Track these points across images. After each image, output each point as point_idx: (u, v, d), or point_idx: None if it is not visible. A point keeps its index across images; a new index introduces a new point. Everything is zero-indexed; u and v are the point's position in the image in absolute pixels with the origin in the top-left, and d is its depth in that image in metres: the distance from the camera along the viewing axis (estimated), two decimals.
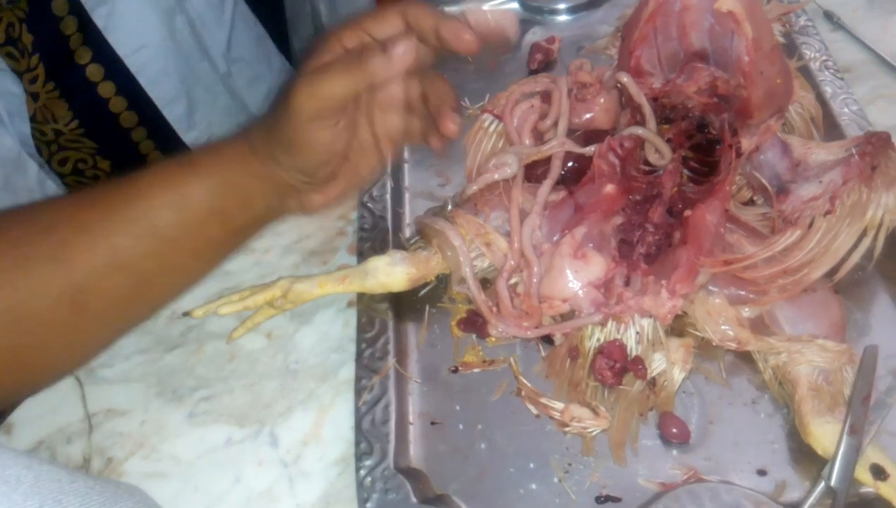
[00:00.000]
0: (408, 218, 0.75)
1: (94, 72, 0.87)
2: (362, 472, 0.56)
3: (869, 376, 0.56)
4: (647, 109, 0.69)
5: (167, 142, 0.97)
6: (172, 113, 0.98)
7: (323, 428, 0.62)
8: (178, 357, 0.68)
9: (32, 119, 0.85)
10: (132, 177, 0.58)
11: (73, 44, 0.84)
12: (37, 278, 0.53)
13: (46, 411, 0.66)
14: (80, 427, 0.64)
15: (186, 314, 0.66)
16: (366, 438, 0.58)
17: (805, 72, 0.77)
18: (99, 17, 0.85)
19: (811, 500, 0.51)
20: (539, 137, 0.74)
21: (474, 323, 0.66)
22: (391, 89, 0.55)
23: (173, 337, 0.69)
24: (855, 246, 0.62)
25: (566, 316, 0.64)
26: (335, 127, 0.54)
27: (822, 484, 0.51)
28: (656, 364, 0.60)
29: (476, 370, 0.64)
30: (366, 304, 0.66)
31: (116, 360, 0.68)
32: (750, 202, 0.70)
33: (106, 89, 0.89)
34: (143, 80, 0.92)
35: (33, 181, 0.88)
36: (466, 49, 0.54)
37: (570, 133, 0.73)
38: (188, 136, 0.99)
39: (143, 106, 0.93)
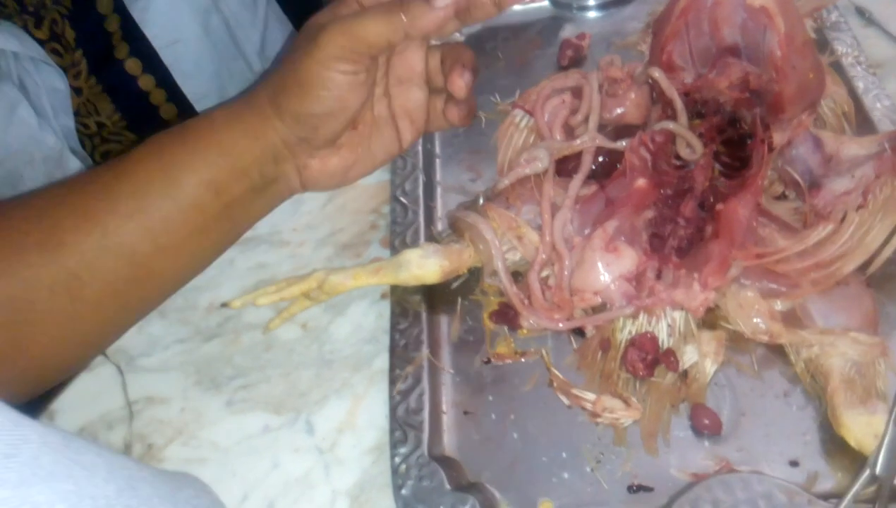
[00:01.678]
0: (440, 212, 0.76)
1: (132, 66, 0.89)
2: (397, 459, 0.57)
3: None
4: (679, 104, 0.70)
5: None
6: (205, 108, 0.99)
7: (357, 417, 0.63)
8: (216, 346, 0.69)
9: (76, 113, 0.87)
10: (125, 154, 0.56)
11: (113, 39, 0.86)
12: (30, 266, 0.52)
13: (88, 399, 0.67)
14: (121, 415, 0.66)
15: (224, 305, 0.68)
16: (400, 426, 0.59)
17: (837, 67, 0.77)
18: (136, 11, 0.87)
19: (856, 488, 0.51)
20: (570, 132, 0.75)
21: (506, 316, 0.66)
22: (412, 60, 0.53)
23: (211, 327, 0.70)
24: (888, 240, 0.62)
25: (597, 309, 0.64)
26: (355, 76, 0.52)
27: (867, 473, 0.52)
28: (688, 356, 0.61)
29: (508, 361, 0.64)
30: (399, 296, 0.67)
31: (156, 350, 0.70)
32: (782, 197, 0.70)
33: (146, 82, 0.92)
34: (177, 75, 0.94)
35: None
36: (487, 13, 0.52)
37: (601, 128, 0.73)
38: None
39: (179, 99, 0.95)
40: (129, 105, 0.91)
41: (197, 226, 0.56)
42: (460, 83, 0.56)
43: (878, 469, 0.51)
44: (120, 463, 0.35)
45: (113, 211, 0.53)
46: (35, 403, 0.67)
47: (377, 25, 0.50)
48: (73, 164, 0.89)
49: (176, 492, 0.37)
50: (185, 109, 0.97)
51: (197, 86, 0.98)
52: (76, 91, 0.86)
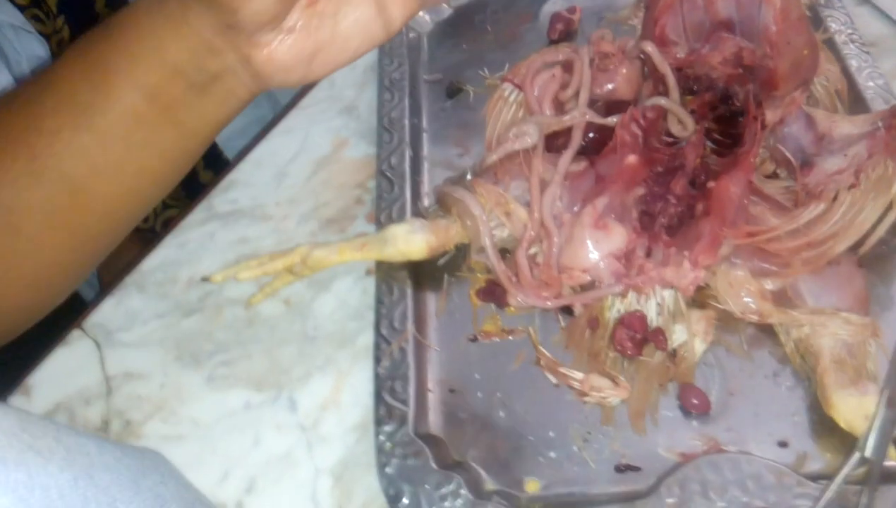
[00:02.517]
0: (426, 187, 0.74)
1: None
2: (382, 437, 0.56)
3: None
4: (671, 80, 0.69)
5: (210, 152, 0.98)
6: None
7: (341, 394, 0.62)
8: (197, 322, 0.67)
9: None
10: (56, 62, 0.48)
11: (97, 5, 0.84)
12: None
13: (65, 374, 0.66)
14: (99, 391, 0.64)
15: (205, 279, 0.67)
16: (385, 404, 0.58)
17: (830, 45, 0.76)
18: None
19: (846, 470, 0.51)
20: (560, 107, 0.74)
21: (493, 293, 0.65)
22: None
23: (191, 302, 0.69)
24: (880, 220, 0.61)
25: (586, 287, 0.64)
26: None
27: (857, 455, 0.51)
28: (677, 335, 0.60)
29: (495, 339, 0.63)
30: (385, 272, 0.66)
31: (134, 325, 0.68)
32: (773, 175, 0.69)
33: None
34: None
35: None
36: None
37: (592, 103, 0.72)
38: (239, 145, 0.99)
39: None
40: None
41: (136, 139, 0.48)
42: None
43: (868, 451, 0.51)
44: (81, 449, 0.33)
45: (38, 129, 0.46)
46: (11, 377, 0.65)
47: None
48: None
49: (140, 479, 0.36)
50: None
51: None
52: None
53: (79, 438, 0.35)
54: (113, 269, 0.76)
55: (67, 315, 0.68)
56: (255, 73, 0.48)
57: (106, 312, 0.69)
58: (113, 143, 0.47)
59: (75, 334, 0.67)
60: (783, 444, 0.56)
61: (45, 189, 0.47)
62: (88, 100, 0.46)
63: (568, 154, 0.67)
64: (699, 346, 0.60)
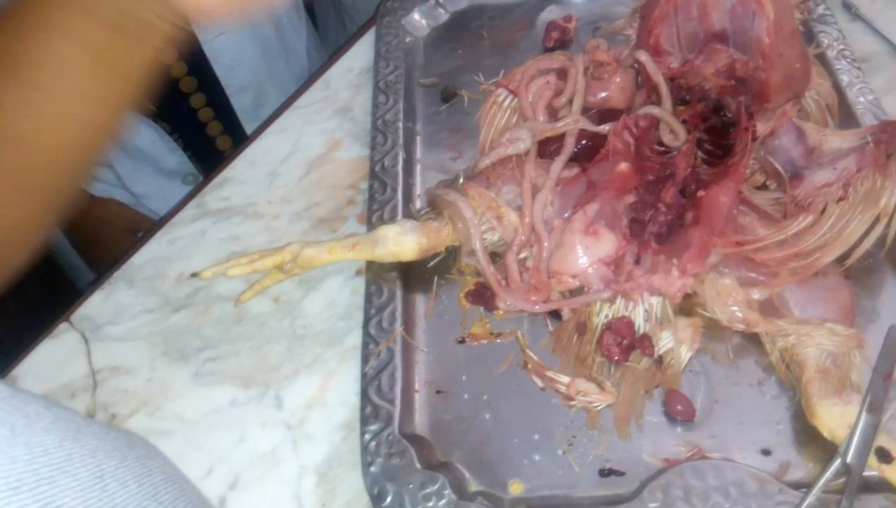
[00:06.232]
0: (419, 189, 0.74)
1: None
2: (367, 436, 0.56)
3: (892, 355, 0.56)
4: (664, 89, 0.69)
5: (233, 127, 1.00)
6: (240, 102, 1.00)
7: (328, 393, 0.62)
8: (185, 317, 0.67)
9: None
10: None
11: None
12: None
13: (51, 366, 0.66)
14: (85, 383, 0.64)
15: (195, 275, 0.66)
16: (371, 403, 0.58)
17: (822, 60, 0.77)
18: None
19: (827, 475, 0.51)
20: (553, 114, 0.74)
21: (482, 296, 0.66)
22: None
23: (180, 297, 0.69)
24: (867, 233, 0.62)
25: (575, 292, 0.64)
26: None
27: (838, 461, 0.51)
28: (664, 342, 0.60)
29: (483, 341, 0.64)
30: (374, 273, 0.66)
31: (122, 319, 0.68)
32: (763, 187, 0.69)
33: (177, 70, 0.91)
34: (218, 67, 0.95)
35: None
36: None
37: (585, 111, 0.72)
38: (251, 127, 1.01)
39: (213, 91, 0.96)
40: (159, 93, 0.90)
41: (75, 89, 0.48)
42: None
43: (849, 458, 0.51)
44: (68, 417, 0.33)
45: None
46: None
47: None
48: None
49: (126, 450, 0.36)
50: (216, 103, 0.97)
51: (235, 80, 0.99)
52: None
53: (67, 410, 0.35)
54: (105, 262, 0.76)
55: (55, 307, 0.68)
56: (175, 7, 0.48)
57: (94, 305, 0.69)
58: (53, 95, 0.48)
59: (63, 327, 0.67)
60: (766, 452, 0.56)
61: None
62: (22, 56, 0.47)
63: (560, 160, 0.68)
64: (685, 353, 0.60)
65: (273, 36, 1.02)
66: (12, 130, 0.48)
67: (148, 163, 0.99)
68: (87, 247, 1.05)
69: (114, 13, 0.48)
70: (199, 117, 0.97)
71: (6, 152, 0.48)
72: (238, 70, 0.98)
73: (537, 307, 0.64)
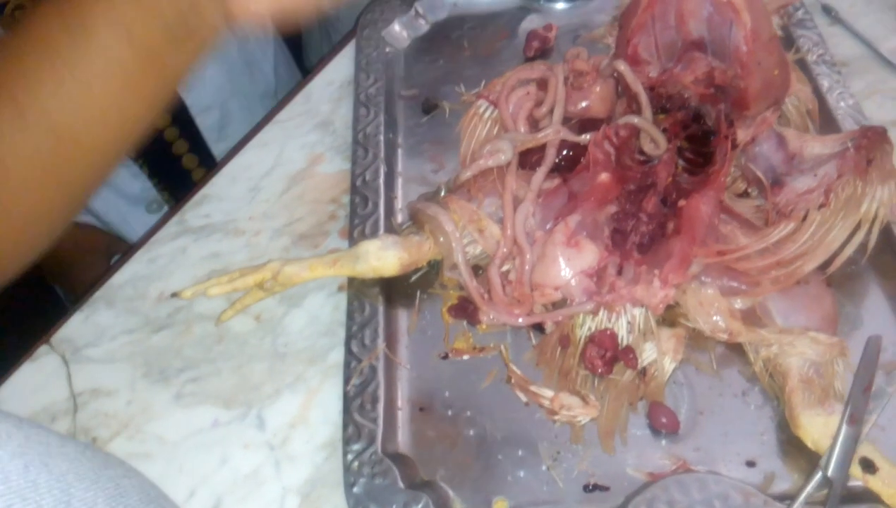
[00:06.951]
0: (400, 203, 0.74)
1: None
2: (349, 456, 0.56)
3: (871, 366, 0.56)
4: (644, 98, 0.69)
5: (199, 147, 0.99)
6: (205, 122, 0.99)
7: (310, 412, 0.62)
8: (166, 338, 0.67)
9: None
10: (33, 14, 0.49)
11: None
12: None
13: (30, 389, 0.65)
14: (65, 407, 0.64)
15: (175, 295, 0.66)
16: (354, 422, 0.58)
17: (802, 65, 0.77)
18: None
19: (808, 489, 0.51)
20: (534, 125, 0.74)
21: (465, 310, 0.65)
22: None
23: (161, 317, 0.68)
24: (849, 239, 0.61)
25: (558, 305, 0.64)
26: None
27: (819, 474, 0.51)
28: (647, 354, 0.60)
29: (466, 356, 0.63)
30: (356, 289, 0.66)
31: (102, 340, 0.67)
32: (744, 194, 0.69)
33: None
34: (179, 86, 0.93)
35: None
36: None
37: (566, 121, 0.72)
38: (218, 147, 1.00)
39: (177, 110, 0.95)
40: None
41: (120, 87, 0.49)
42: None
43: (829, 472, 0.51)
44: (40, 438, 0.33)
45: (22, 81, 0.47)
46: None
47: None
48: None
49: (101, 470, 0.35)
50: (181, 121, 0.96)
51: (198, 99, 0.98)
52: None
53: (41, 430, 0.34)
54: (83, 284, 0.75)
55: (34, 330, 0.67)
56: (228, 11, 0.50)
57: (74, 327, 0.68)
58: (97, 92, 0.48)
59: (42, 349, 0.67)
60: (751, 464, 0.56)
61: (33, 138, 0.47)
62: (70, 51, 0.47)
63: (541, 171, 0.68)
64: (669, 365, 0.60)
65: (236, 53, 1.01)
66: (54, 124, 0.48)
67: (110, 189, 0.97)
68: (59, 271, 1.04)
69: (167, 13, 0.48)
70: (164, 136, 0.96)
71: (46, 143, 0.48)
72: (200, 89, 0.97)
73: (520, 320, 0.63)
